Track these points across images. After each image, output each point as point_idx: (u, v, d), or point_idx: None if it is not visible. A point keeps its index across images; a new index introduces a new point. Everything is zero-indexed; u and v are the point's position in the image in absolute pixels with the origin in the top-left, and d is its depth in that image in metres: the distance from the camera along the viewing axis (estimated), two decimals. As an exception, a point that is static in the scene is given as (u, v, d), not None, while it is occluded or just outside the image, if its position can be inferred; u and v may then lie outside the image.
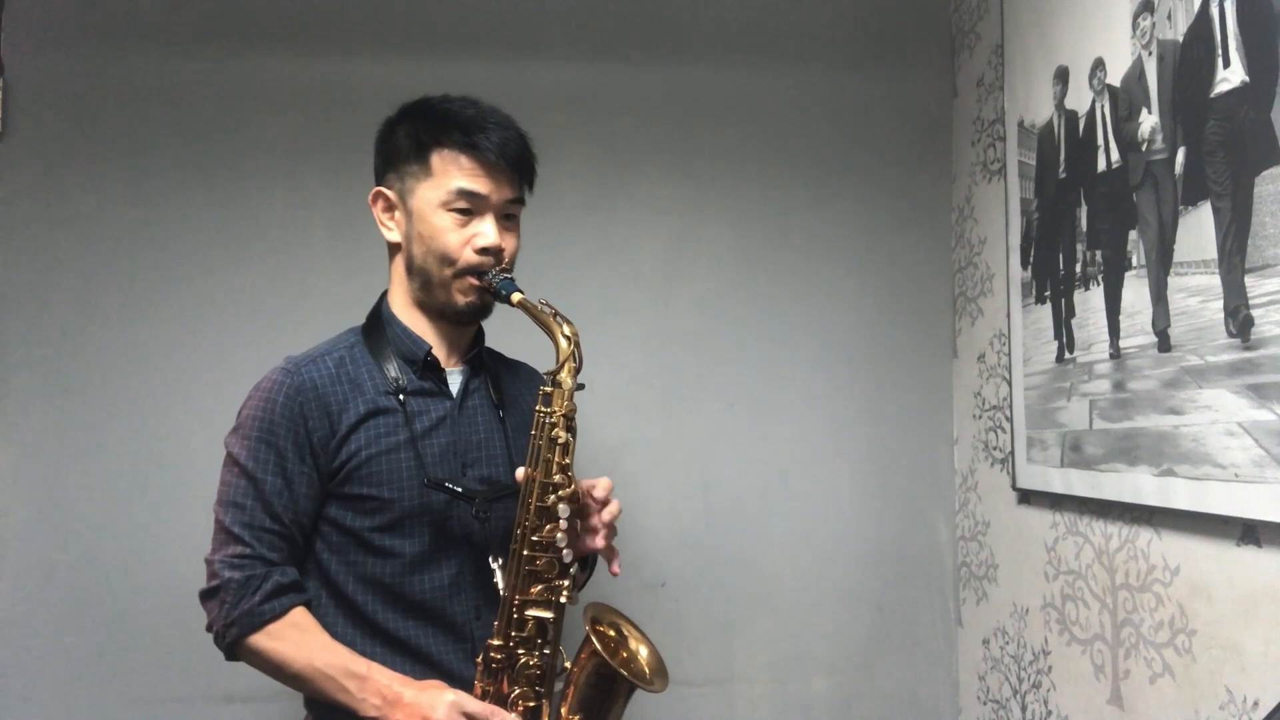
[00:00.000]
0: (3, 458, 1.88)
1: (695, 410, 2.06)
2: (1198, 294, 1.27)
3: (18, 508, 1.88)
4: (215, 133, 1.97)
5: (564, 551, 1.29)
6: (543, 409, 1.30)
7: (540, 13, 2.07)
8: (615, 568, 1.36)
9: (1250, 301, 1.17)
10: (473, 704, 1.23)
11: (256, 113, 1.98)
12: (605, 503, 1.35)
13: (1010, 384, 1.82)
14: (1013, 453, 1.80)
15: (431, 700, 1.21)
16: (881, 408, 2.10)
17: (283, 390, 1.30)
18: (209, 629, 1.28)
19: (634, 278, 2.06)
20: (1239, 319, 1.19)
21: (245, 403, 1.34)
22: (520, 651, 1.29)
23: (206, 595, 1.28)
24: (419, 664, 1.31)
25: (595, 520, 1.35)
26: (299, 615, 1.27)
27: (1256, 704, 1.18)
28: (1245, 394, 1.17)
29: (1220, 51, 1.22)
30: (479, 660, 1.30)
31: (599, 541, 1.34)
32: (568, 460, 1.30)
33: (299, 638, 1.26)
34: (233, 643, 1.26)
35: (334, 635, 1.29)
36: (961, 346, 2.10)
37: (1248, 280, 1.17)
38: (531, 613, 1.29)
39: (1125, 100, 1.45)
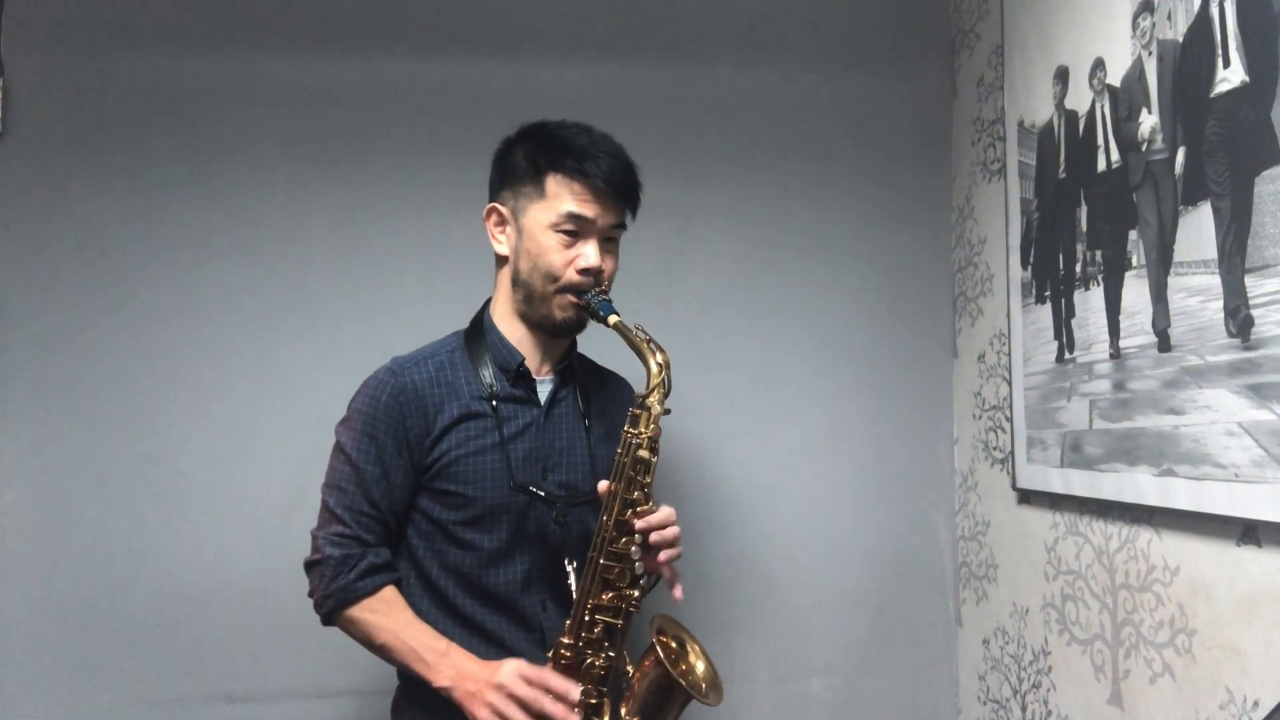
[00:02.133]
0: (3, 457, 1.88)
1: (695, 410, 2.06)
2: (1198, 294, 1.27)
3: (18, 508, 1.88)
4: (215, 132, 1.97)
5: (636, 564, 1.37)
6: (630, 430, 1.39)
7: (540, 13, 2.07)
8: (677, 593, 1.42)
9: (1250, 301, 1.17)
10: (530, 667, 1.33)
11: (255, 112, 1.98)
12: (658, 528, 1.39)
13: (1010, 384, 1.82)
14: (1013, 453, 1.80)
15: (496, 667, 1.33)
16: (881, 408, 2.10)
17: (386, 389, 1.43)
18: (310, 595, 1.41)
19: (634, 278, 2.05)
20: (1239, 319, 1.19)
21: (355, 397, 1.46)
22: (589, 652, 1.37)
23: (309, 566, 1.41)
24: (491, 646, 1.42)
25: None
26: (389, 593, 1.40)
27: (1256, 704, 1.18)
28: (1245, 394, 1.17)
29: (1220, 51, 1.22)
30: (549, 655, 1.38)
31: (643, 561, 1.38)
32: (648, 479, 1.39)
33: (388, 611, 1.38)
34: (329, 612, 1.40)
35: (418, 613, 1.40)
36: (961, 346, 2.10)
37: (1248, 280, 1.17)
38: (601, 617, 1.37)
39: (1125, 100, 1.45)
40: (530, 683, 1.30)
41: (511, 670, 1.31)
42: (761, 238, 2.09)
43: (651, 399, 1.39)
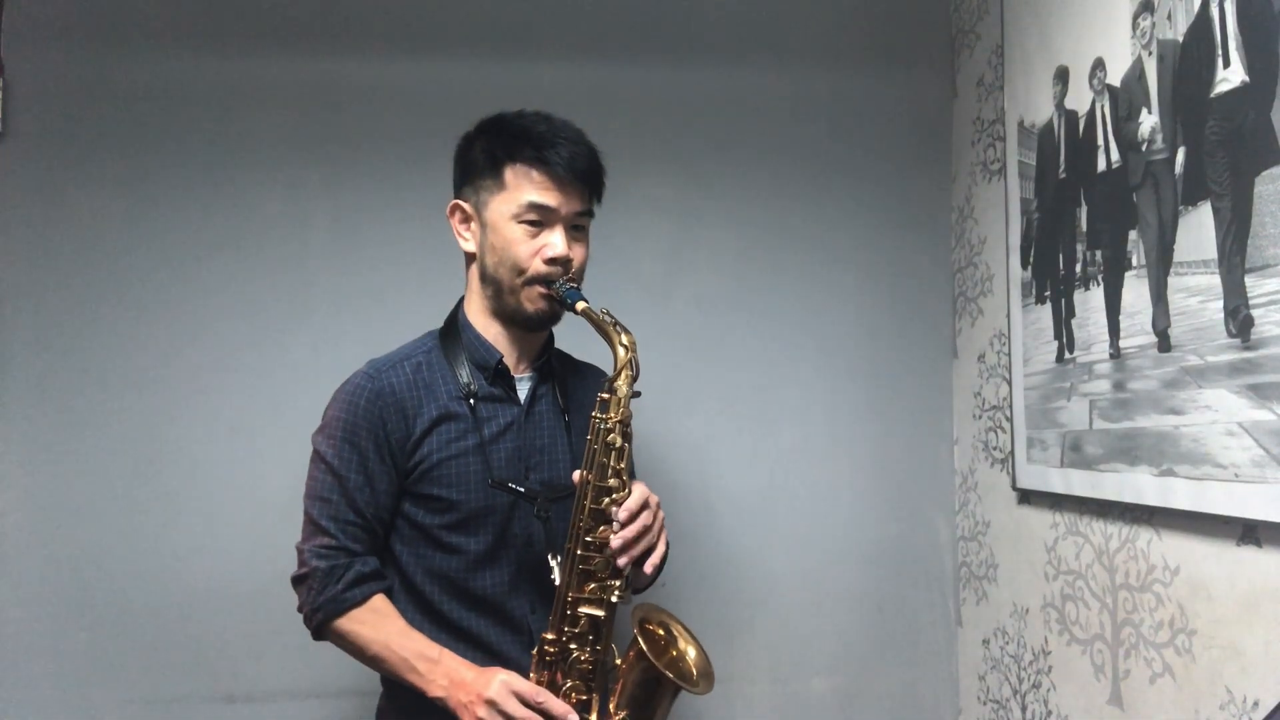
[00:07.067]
0: (3, 458, 1.88)
1: (695, 410, 2.06)
2: (1198, 294, 1.27)
3: (18, 508, 1.88)
4: (214, 132, 1.97)
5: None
6: (599, 415, 1.36)
7: (540, 13, 2.07)
8: (647, 566, 1.38)
9: (1250, 301, 1.17)
10: (521, 683, 1.30)
11: (255, 112, 1.98)
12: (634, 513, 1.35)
13: (1010, 384, 1.82)
14: (1013, 453, 1.80)
15: (487, 680, 1.30)
16: (881, 408, 2.10)
17: (364, 394, 1.40)
18: (299, 610, 1.39)
19: (634, 278, 2.06)
20: (1239, 319, 1.19)
21: (330, 404, 1.43)
22: (573, 646, 1.35)
23: (297, 581, 1.40)
24: (480, 651, 1.39)
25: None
26: (379, 602, 1.38)
27: (1256, 704, 1.18)
28: (1245, 394, 1.17)
29: (1220, 51, 1.22)
30: (534, 652, 1.36)
31: (620, 551, 1.34)
32: (622, 465, 1.36)
33: (378, 622, 1.36)
34: (319, 626, 1.38)
35: (405, 621, 1.38)
36: (961, 346, 2.10)
37: (1248, 280, 1.17)
38: (584, 610, 1.35)
39: (1125, 100, 1.45)
40: (525, 702, 1.28)
41: (501, 685, 1.28)
42: (761, 238, 2.09)
43: (619, 382, 1.36)
